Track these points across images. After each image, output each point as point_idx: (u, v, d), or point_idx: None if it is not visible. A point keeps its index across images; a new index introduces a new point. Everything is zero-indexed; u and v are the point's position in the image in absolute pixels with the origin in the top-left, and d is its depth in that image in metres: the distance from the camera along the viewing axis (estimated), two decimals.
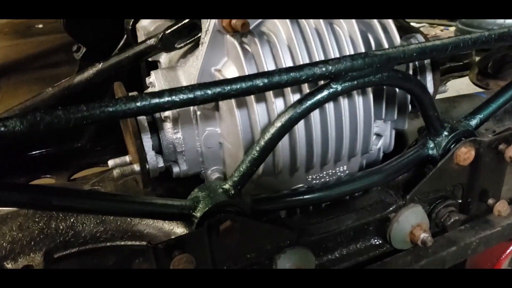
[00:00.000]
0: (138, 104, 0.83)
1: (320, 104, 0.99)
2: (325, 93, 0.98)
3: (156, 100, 0.84)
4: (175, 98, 0.85)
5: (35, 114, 0.76)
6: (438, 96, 1.51)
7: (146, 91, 1.23)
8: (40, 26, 5.10)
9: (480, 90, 2.20)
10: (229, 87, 0.89)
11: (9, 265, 1.15)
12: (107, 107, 0.81)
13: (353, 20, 1.13)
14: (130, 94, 1.18)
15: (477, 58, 2.25)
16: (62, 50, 3.99)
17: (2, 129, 0.75)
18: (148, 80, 1.22)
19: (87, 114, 0.80)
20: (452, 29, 5.21)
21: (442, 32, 6.51)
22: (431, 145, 1.21)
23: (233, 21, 1.01)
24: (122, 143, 1.42)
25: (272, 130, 0.99)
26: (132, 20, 1.45)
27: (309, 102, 0.98)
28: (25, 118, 0.76)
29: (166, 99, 0.85)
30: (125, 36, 1.55)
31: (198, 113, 1.17)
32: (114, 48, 1.58)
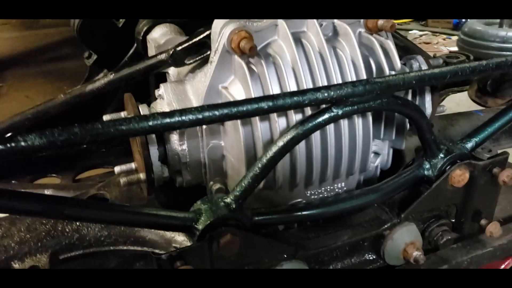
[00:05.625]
0: (150, 123, 0.88)
1: (321, 127, 1.04)
2: (326, 116, 1.03)
3: (167, 120, 0.89)
4: (184, 118, 0.90)
5: (53, 131, 0.81)
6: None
7: (154, 103, 1.28)
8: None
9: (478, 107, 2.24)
10: (235, 109, 0.94)
11: (16, 265, 1.19)
12: (121, 126, 0.86)
13: (356, 44, 1.18)
14: (140, 106, 1.22)
15: None
16: (69, 43, 3.98)
17: (23, 143, 0.79)
18: (157, 93, 1.26)
19: (101, 131, 0.84)
20: (455, 38, 5.21)
21: (444, 40, 6.56)
22: (427, 166, 1.25)
23: (242, 43, 1.06)
24: (127, 144, 1.46)
25: (274, 148, 1.03)
26: (143, 31, 1.49)
27: (310, 124, 1.03)
28: (44, 135, 0.80)
29: (176, 119, 0.89)
30: (135, 45, 1.60)
31: (204, 127, 1.21)
32: (124, 56, 1.63)
